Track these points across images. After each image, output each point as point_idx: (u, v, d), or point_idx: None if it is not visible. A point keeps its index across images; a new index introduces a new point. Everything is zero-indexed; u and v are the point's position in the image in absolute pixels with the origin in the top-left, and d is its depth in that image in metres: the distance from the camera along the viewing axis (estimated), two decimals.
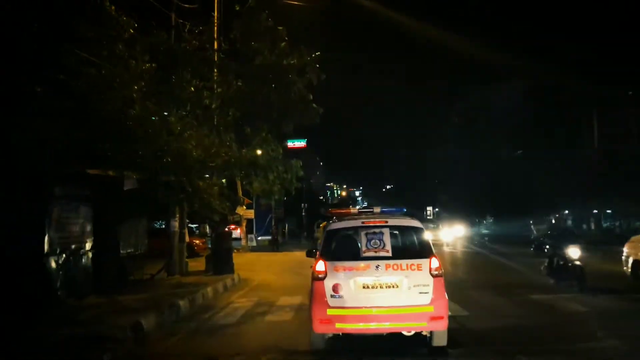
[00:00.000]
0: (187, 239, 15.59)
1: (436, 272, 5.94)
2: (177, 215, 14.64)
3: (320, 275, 5.96)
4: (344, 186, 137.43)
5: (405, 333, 6.26)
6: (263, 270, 17.66)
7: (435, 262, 5.98)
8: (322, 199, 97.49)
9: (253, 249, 29.52)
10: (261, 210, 37.71)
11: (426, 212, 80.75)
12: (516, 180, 34.01)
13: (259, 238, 35.44)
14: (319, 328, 5.98)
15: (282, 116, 12.42)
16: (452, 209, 49.94)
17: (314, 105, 12.33)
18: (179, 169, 10.18)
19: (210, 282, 12.58)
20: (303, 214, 49.71)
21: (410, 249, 6.24)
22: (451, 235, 35.17)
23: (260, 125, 12.90)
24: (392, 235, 6.20)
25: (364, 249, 6.05)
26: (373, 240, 6.04)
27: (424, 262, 5.96)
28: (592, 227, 28.44)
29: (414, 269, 5.90)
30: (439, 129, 62.04)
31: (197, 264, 16.19)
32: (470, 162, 44.23)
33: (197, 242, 25.06)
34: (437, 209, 79.07)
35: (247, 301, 10.65)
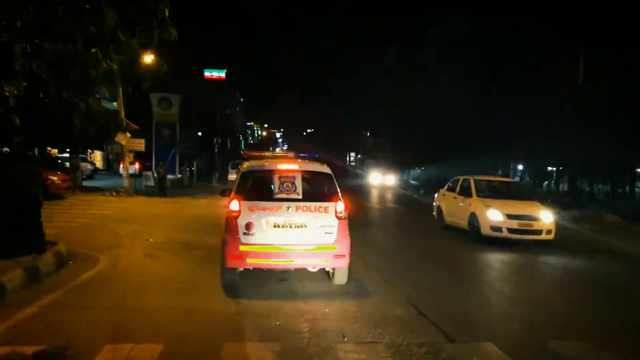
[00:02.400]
0: None
1: (341, 215, 6.27)
2: None
3: (234, 214, 6.09)
4: (265, 126, 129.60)
5: (310, 269, 6.72)
6: (134, 233, 10.63)
7: (340, 206, 6.29)
8: (241, 138, 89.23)
9: (148, 190, 21.99)
10: (163, 142, 30.42)
11: (349, 158, 76.11)
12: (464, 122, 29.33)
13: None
14: (231, 263, 6.15)
15: None
16: (379, 156, 45.45)
17: None
18: None
19: None
20: (215, 151, 41.78)
21: (319, 193, 6.65)
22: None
23: None
24: (304, 180, 6.49)
25: (276, 190, 6.26)
26: (286, 184, 6.24)
27: (330, 205, 6.28)
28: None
29: (321, 211, 6.22)
30: (375, 70, 55.40)
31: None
32: (410, 104, 38.90)
33: (54, 178, 17.26)
34: (359, 156, 74.06)
35: None
